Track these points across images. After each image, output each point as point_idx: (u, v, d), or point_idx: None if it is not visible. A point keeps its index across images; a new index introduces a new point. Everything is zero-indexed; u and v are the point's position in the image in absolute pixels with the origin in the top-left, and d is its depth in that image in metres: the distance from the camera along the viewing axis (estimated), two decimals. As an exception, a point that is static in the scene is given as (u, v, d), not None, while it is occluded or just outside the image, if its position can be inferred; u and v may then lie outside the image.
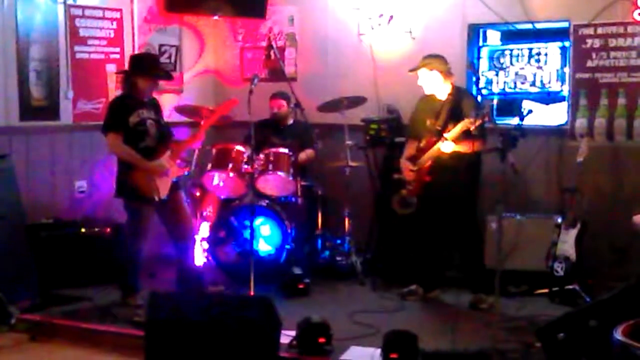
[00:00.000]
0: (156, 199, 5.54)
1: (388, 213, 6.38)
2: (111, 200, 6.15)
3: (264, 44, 7.19)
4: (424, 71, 5.75)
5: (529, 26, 6.55)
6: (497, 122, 5.98)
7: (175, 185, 5.69)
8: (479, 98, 6.42)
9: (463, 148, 5.56)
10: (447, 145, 5.56)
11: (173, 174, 5.64)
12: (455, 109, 5.65)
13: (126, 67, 5.92)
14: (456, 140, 5.53)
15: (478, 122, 5.40)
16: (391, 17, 7.02)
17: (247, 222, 5.94)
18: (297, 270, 6.11)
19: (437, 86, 5.75)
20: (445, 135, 5.54)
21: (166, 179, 5.59)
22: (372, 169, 6.93)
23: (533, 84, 6.66)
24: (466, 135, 5.50)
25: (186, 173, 5.90)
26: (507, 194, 5.34)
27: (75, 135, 6.59)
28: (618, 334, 3.65)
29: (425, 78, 5.76)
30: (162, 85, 6.51)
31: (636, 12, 6.04)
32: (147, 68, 5.67)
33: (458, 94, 5.77)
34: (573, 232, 5.79)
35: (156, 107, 5.77)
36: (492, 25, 6.81)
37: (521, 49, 6.69)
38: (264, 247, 6.31)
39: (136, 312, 5.30)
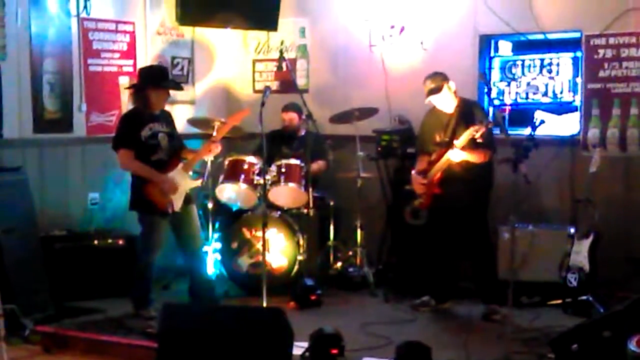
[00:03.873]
0: (170, 211, 5.57)
1: (400, 224, 6.38)
2: (124, 212, 6.18)
3: (276, 55, 7.21)
4: (446, 91, 5.69)
5: (541, 37, 6.56)
6: (510, 132, 5.96)
7: (187, 198, 5.70)
8: (491, 109, 6.42)
9: (472, 157, 5.55)
10: (455, 153, 5.55)
11: (186, 186, 5.66)
12: (463, 120, 5.64)
13: (136, 80, 5.94)
14: (465, 148, 5.52)
15: (482, 130, 5.38)
16: (402, 28, 7.04)
17: (259, 234, 5.94)
18: (309, 282, 6.11)
19: (451, 102, 5.74)
20: (455, 142, 5.53)
21: (180, 192, 5.61)
22: (383, 180, 6.93)
23: (545, 94, 6.65)
24: (475, 144, 5.49)
25: (199, 185, 5.91)
26: (519, 205, 5.33)
27: (88, 148, 6.62)
28: (632, 345, 3.64)
29: (445, 98, 5.72)
30: (174, 97, 6.54)
31: (648, 22, 6.04)
32: (158, 79, 5.68)
33: (466, 105, 5.76)
34: (586, 243, 5.77)
35: (168, 119, 5.79)
36: (503, 36, 6.81)
37: (533, 60, 6.69)
38: (276, 259, 6.31)
39: (149, 323, 5.31)
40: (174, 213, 5.60)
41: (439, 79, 5.71)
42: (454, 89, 5.74)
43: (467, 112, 5.67)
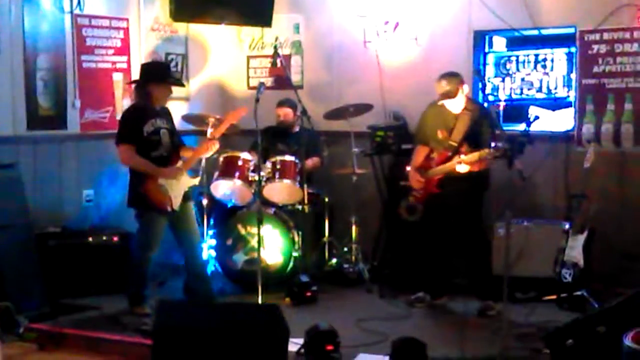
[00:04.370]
0: (169, 209, 5.56)
1: (395, 220, 6.39)
2: (119, 209, 6.18)
3: (270, 52, 7.20)
4: (460, 95, 5.63)
5: (535, 32, 6.55)
6: (504, 128, 5.97)
7: (186, 195, 5.70)
8: (485, 104, 6.42)
9: (475, 167, 5.57)
10: (462, 167, 5.56)
11: (184, 184, 5.66)
12: (472, 129, 5.61)
13: (137, 76, 5.92)
14: (471, 163, 5.53)
15: (496, 155, 5.35)
16: (397, 24, 7.03)
17: (254, 230, 5.94)
18: (305, 278, 6.11)
19: (461, 104, 5.70)
20: (463, 157, 5.52)
21: (178, 189, 5.60)
22: (378, 176, 6.93)
23: (539, 90, 6.66)
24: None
25: (197, 183, 5.91)
26: (514, 200, 5.34)
27: (82, 144, 6.61)
28: (628, 341, 3.64)
29: (458, 102, 5.66)
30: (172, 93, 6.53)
31: (642, 17, 6.05)
32: (161, 75, 5.69)
33: (476, 111, 5.69)
34: (581, 238, 5.78)
35: (168, 116, 5.79)
36: (498, 32, 6.81)
37: (527, 55, 6.69)
38: (271, 255, 6.30)
39: (143, 321, 5.30)
40: (173, 211, 5.59)
41: (454, 82, 5.61)
42: (466, 92, 5.71)
43: (475, 122, 5.63)
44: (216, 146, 5.80)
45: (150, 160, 5.54)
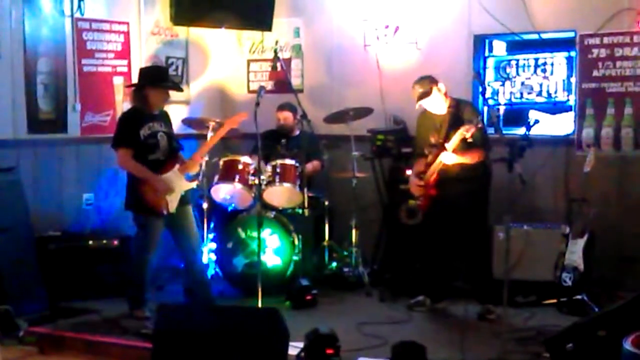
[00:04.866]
0: (165, 212, 5.56)
1: (395, 224, 6.39)
2: (119, 213, 6.17)
3: (270, 55, 7.21)
4: (436, 93, 5.68)
5: (535, 36, 6.56)
6: (504, 132, 5.99)
7: (184, 199, 5.70)
8: (485, 109, 6.43)
9: (465, 159, 5.57)
10: (447, 156, 5.56)
11: (182, 188, 5.66)
12: (456, 121, 5.64)
13: (135, 79, 5.94)
14: (457, 150, 5.53)
15: (473, 130, 5.40)
16: (397, 28, 7.04)
17: (255, 234, 5.94)
18: (305, 282, 6.10)
19: (442, 104, 5.74)
20: (446, 145, 5.54)
21: (176, 193, 5.60)
22: (378, 179, 6.93)
23: (539, 94, 6.66)
24: (467, 145, 5.50)
25: (195, 186, 5.91)
26: (514, 204, 5.34)
27: (82, 148, 6.61)
28: (628, 344, 3.64)
29: (435, 100, 5.71)
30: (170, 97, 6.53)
31: (642, 21, 6.06)
32: (158, 79, 5.70)
33: (458, 106, 5.75)
34: (581, 242, 5.78)
35: (167, 119, 5.80)
36: (497, 36, 6.82)
37: (527, 59, 6.70)
38: (271, 259, 6.30)
39: (144, 324, 5.30)
40: (170, 214, 5.59)
41: (426, 83, 5.70)
42: (444, 91, 5.73)
43: (459, 113, 5.68)
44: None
45: (147, 163, 5.54)
